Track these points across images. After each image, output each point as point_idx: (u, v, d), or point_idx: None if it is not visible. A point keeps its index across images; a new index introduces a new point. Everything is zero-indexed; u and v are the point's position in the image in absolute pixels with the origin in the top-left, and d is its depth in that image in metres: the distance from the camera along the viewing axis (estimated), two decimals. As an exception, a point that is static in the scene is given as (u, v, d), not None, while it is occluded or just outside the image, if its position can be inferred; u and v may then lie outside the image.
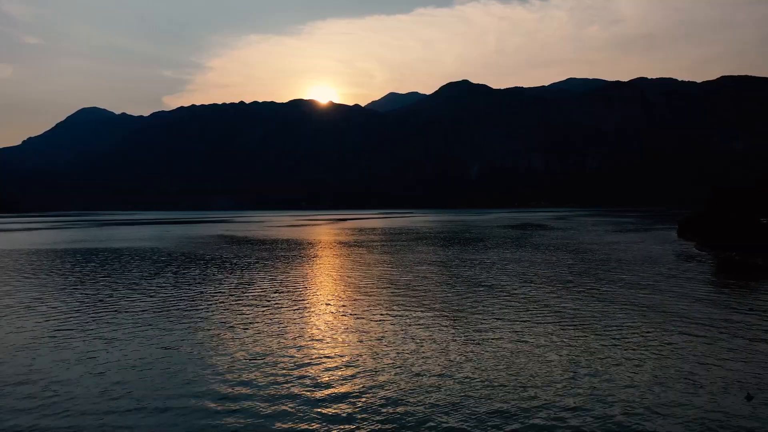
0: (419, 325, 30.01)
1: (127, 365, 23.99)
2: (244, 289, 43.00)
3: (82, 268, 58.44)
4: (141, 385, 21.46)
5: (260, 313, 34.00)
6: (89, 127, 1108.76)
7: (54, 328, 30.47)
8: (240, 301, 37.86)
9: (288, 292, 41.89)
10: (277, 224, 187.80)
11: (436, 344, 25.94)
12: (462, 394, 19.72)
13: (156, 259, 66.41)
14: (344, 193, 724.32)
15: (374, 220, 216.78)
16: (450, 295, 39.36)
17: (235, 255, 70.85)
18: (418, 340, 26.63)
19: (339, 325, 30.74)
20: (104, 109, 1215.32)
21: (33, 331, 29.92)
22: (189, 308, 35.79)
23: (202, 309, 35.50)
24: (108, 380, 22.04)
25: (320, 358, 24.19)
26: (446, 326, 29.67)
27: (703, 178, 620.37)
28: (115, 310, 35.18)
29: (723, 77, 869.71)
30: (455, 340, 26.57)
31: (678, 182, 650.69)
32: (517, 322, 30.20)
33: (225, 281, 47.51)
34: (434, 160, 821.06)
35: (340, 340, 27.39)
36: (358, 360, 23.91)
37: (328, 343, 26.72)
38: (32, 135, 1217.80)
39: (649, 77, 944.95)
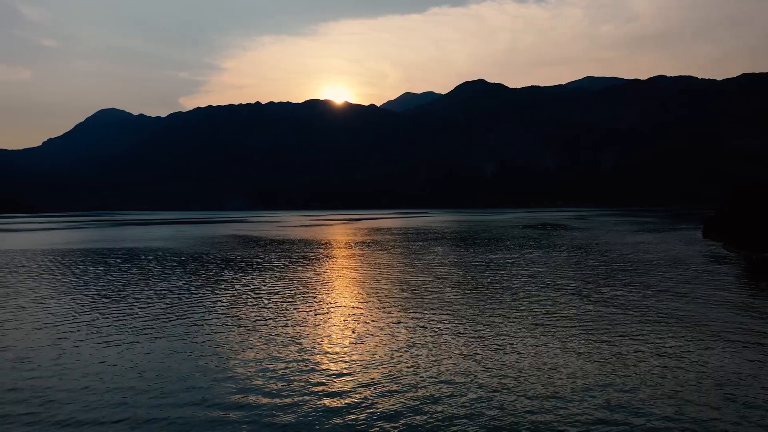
0: (446, 327, 28.28)
1: (145, 364, 22.93)
2: (268, 290, 41.60)
3: (98, 269, 57.61)
4: (157, 383, 20.58)
5: (285, 314, 32.53)
6: (108, 128, 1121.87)
7: (69, 328, 29.31)
8: (264, 303, 36.44)
9: (312, 294, 40.42)
10: (292, 224, 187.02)
11: (461, 347, 24.25)
12: (483, 402, 18.09)
13: (174, 260, 65.48)
14: (356, 192, 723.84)
15: (389, 220, 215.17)
16: (478, 298, 37.59)
17: (255, 255, 69.72)
18: (447, 344, 24.95)
19: (362, 328, 29.11)
20: (122, 110, 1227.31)
21: (47, 330, 28.76)
22: (209, 309, 34.45)
23: (224, 310, 34.15)
24: (126, 379, 21.06)
25: (347, 359, 22.65)
26: (470, 330, 27.88)
27: (714, 177, 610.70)
28: (135, 311, 33.97)
29: (743, 75, 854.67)
30: (480, 345, 24.82)
31: (689, 181, 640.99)
32: (549, 326, 28.28)
33: (247, 281, 46.19)
34: (447, 159, 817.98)
35: (364, 343, 25.79)
36: (382, 365, 22.27)
37: (354, 344, 25.16)
38: (52, 136, 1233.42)
39: (668, 75, 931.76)
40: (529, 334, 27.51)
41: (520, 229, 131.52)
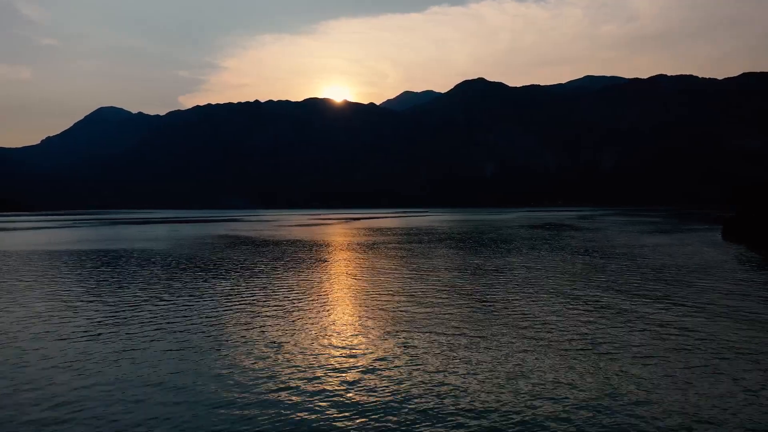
0: (461, 344, 22.95)
1: (131, 377, 19.31)
2: (258, 295, 36.32)
3: (70, 272, 52.25)
4: (152, 397, 16.69)
5: (273, 325, 27.22)
6: (107, 127, 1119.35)
7: (26, 338, 24.09)
8: (248, 311, 31.10)
9: (305, 302, 34.97)
10: (289, 224, 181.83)
11: (479, 369, 19.08)
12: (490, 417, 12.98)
13: (155, 262, 60.15)
14: (356, 192, 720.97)
15: (389, 220, 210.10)
16: (498, 310, 32.10)
17: (245, 257, 64.39)
18: (463, 363, 19.74)
19: (365, 343, 23.75)
20: (121, 109, 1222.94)
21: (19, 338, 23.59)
22: (184, 318, 29.14)
23: (213, 316, 28.91)
24: (121, 388, 18.64)
25: (347, 377, 17.66)
26: (491, 348, 22.54)
27: (714, 177, 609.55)
28: (101, 321, 28.66)
29: (744, 74, 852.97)
30: (505, 366, 19.57)
31: (689, 181, 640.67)
32: (587, 342, 22.89)
33: (232, 287, 40.83)
34: (447, 159, 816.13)
35: (367, 361, 20.57)
36: (390, 386, 17.34)
37: (357, 362, 19.98)
38: (50, 134, 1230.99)
39: (669, 74, 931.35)
40: (563, 352, 22.20)
41: (527, 229, 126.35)
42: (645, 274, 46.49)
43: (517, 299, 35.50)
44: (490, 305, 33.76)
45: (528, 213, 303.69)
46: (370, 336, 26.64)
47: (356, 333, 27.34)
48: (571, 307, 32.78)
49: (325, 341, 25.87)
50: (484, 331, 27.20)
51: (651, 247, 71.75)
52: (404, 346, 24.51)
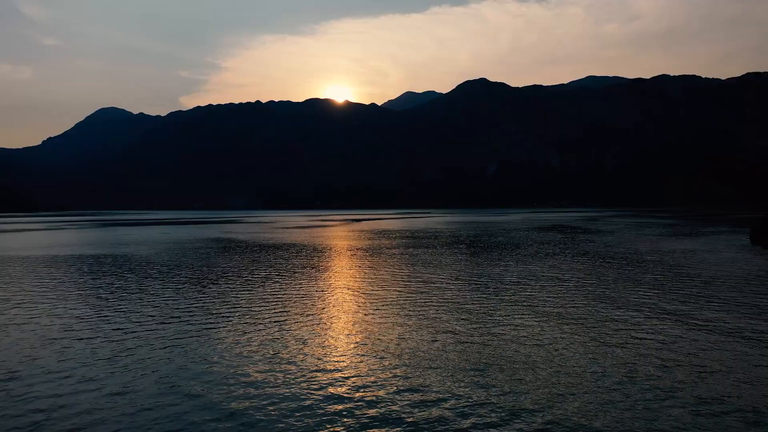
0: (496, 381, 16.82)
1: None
2: (244, 309, 30.22)
3: (42, 279, 46.10)
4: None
5: (272, 337, 21.08)
6: (108, 127, 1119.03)
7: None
8: (244, 320, 24.97)
9: (302, 309, 28.74)
10: (287, 225, 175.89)
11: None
12: None
13: (136, 269, 54.00)
14: (357, 192, 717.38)
15: (391, 221, 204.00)
16: (534, 331, 25.83)
17: (233, 264, 58.20)
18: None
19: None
20: (122, 109, 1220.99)
21: None
22: (180, 330, 22.97)
23: (189, 333, 22.82)
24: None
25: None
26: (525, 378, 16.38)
27: (718, 176, 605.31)
28: (98, 329, 22.57)
29: (748, 73, 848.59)
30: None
31: (693, 181, 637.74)
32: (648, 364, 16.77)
33: (220, 297, 34.65)
34: (450, 158, 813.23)
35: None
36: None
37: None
38: (52, 135, 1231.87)
39: (671, 74, 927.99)
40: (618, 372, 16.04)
41: (538, 232, 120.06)
42: (693, 284, 40.22)
43: (564, 310, 29.15)
44: (532, 319, 27.41)
45: (532, 214, 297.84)
46: (384, 366, 20.36)
47: (366, 359, 21.05)
48: (638, 316, 26.48)
49: (325, 370, 19.58)
50: (534, 357, 20.88)
51: (681, 253, 65.39)
52: (422, 383, 18.25)
